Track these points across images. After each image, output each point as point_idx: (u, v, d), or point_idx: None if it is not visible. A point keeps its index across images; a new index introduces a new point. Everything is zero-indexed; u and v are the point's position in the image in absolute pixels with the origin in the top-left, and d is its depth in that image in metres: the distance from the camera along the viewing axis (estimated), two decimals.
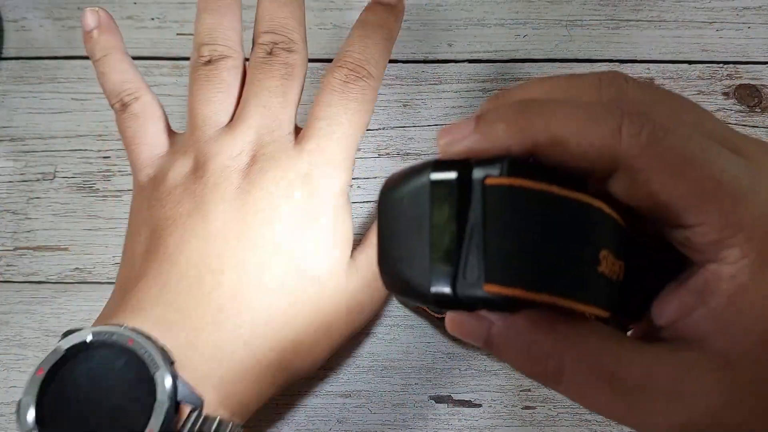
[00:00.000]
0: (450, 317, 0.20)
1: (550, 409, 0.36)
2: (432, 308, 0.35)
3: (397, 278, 0.19)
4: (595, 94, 0.20)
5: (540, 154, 0.18)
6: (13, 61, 0.42)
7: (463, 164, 0.18)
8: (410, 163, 0.22)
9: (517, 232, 0.17)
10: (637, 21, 0.42)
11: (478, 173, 0.18)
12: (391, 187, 0.20)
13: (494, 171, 0.17)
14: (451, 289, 0.18)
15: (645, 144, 0.18)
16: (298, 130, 0.32)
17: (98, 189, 0.40)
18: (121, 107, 0.33)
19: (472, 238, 0.17)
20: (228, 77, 0.32)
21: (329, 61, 0.41)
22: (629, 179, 0.18)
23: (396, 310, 0.37)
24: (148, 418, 0.24)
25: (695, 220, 0.18)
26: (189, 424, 0.25)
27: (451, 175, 0.18)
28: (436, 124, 0.40)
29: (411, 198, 0.19)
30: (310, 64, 0.42)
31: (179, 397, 0.25)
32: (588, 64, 0.41)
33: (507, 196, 0.17)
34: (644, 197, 0.18)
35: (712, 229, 0.18)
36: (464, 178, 0.18)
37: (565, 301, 0.17)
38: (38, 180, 0.40)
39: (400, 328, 0.37)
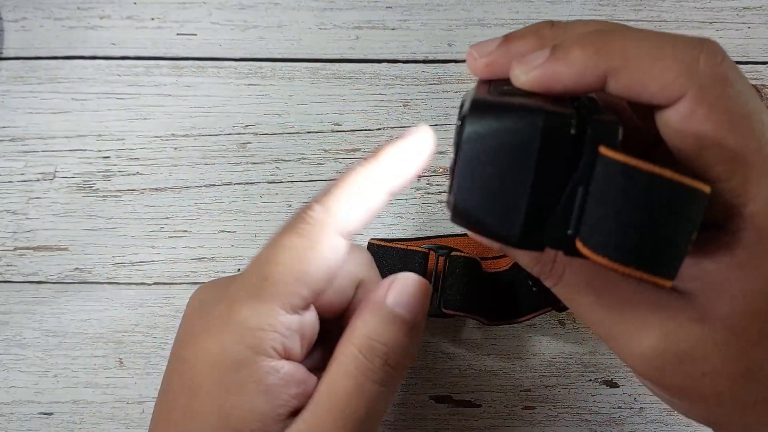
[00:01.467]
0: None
1: (550, 409, 0.36)
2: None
3: (480, 212, 0.19)
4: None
5: (611, 81, 0.18)
6: (13, 61, 0.42)
7: (572, 115, 0.18)
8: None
9: (619, 207, 0.17)
10: (637, 21, 0.42)
11: (592, 135, 0.17)
12: (487, 120, 0.18)
13: (609, 139, 0.17)
14: (540, 238, 0.18)
15: (721, 77, 0.18)
16: None
17: (98, 189, 0.40)
18: None
19: (573, 196, 0.18)
20: None
21: (329, 61, 0.42)
22: (687, 113, 0.18)
23: None
24: None
25: (726, 176, 0.19)
26: None
27: (565, 131, 0.17)
28: (436, 124, 0.40)
29: (514, 139, 0.18)
30: (310, 64, 0.42)
31: None
32: None
33: (617, 171, 0.17)
34: (695, 138, 0.19)
35: (735, 194, 0.19)
36: (577, 135, 0.17)
37: (647, 275, 0.17)
38: (38, 180, 0.40)
39: None
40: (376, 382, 0.23)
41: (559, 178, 0.18)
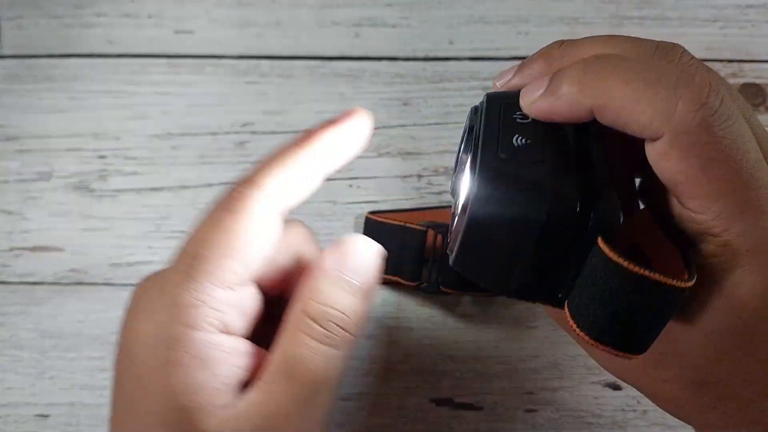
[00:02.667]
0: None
1: (552, 411, 0.35)
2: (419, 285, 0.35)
3: (478, 270, 0.21)
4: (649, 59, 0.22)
5: (598, 116, 0.20)
6: (9, 60, 0.41)
7: (576, 200, 0.19)
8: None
9: (605, 295, 0.19)
10: (641, 19, 0.41)
11: (593, 224, 0.19)
12: (495, 192, 0.20)
13: (609, 225, 0.19)
14: (533, 294, 0.20)
15: (697, 124, 0.19)
16: None
17: (94, 189, 0.39)
18: None
19: (568, 268, 0.20)
20: None
21: (328, 58, 0.41)
22: (662, 151, 0.20)
23: (396, 312, 0.37)
24: None
25: (700, 210, 0.20)
26: None
27: (569, 215, 0.19)
28: (437, 123, 0.40)
29: (518, 215, 0.19)
30: (310, 63, 0.41)
31: None
32: None
33: (609, 266, 0.18)
34: (671, 174, 0.20)
35: (708, 227, 0.20)
36: (580, 216, 0.19)
37: (620, 353, 0.19)
38: (34, 180, 0.40)
39: (401, 330, 0.36)
40: (329, 346, 0.24)
41: (557, 252, 0.19)
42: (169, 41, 0.41)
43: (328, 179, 0.39)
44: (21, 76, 0.41)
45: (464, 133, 0.26)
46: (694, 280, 0.19)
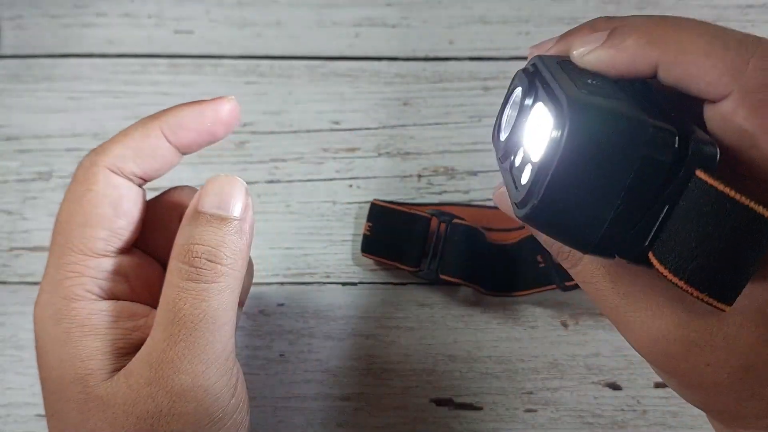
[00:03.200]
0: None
1: (552, 411, 0.35)
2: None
3: (561, 217, 0.19)
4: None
5: (662, 71, 0.19)
6: (9, 60, 0.41)
7: (675, 132, 0.18)
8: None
9: (703, 231, 0.17)
10: None
11: (692, 156, 0.18)
12: (590, 124, 0.18)
13: (707, 162, 0.18)
14: (613, 247, 0.19)
15: (766, 83, 0.18)
16: None
17: None
18: None
19: (658, 211, 0.18)
20: None
21: (328, 58, 0.41)
22: (730, 110, 0.19)
23: (396, 312, 0.37)
24: None
25: (764, 177, 0.19)
26: None
27: (668, 148, 0.18)
28: (436, 123, 0.40)
29: (616, 149, 0.18)
30: (309, 62, 0.41)
31: None
32: None
33: (710, 197, 0.17)
34: (737, 136, 0.19)
35: None
36: (677, 153, 0.18)
37: (710, 299, 0.18)
38: (34, 180, 0.40)
39: (400, 330, 0.36)
40: (203, 281, 0.24)
41: (649, 193, 0.18)
42: (169, 41, 0.41)
43: (328, 179, 0.39)
44: (21, 76, 0.41)
45: (509, 95, 0.24)
46: None
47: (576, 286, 0.34)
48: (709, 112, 0.20)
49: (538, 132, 0.20)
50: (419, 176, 0.39)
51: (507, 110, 0.24)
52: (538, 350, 0.36)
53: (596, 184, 0.18)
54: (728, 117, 0.19)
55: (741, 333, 0.20)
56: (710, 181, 0.17)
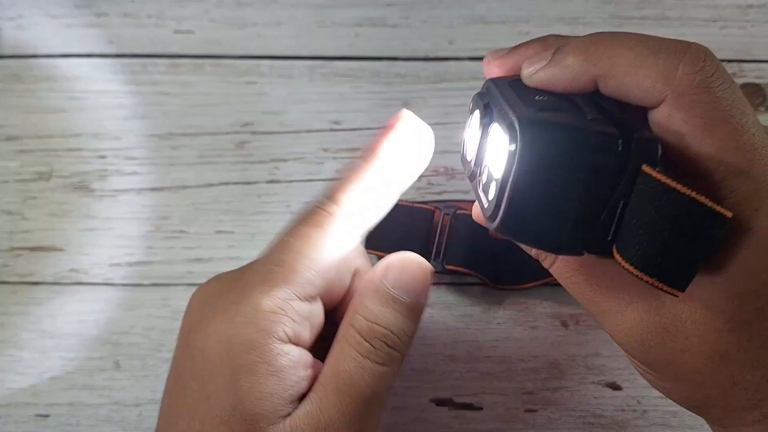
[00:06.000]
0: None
1: (552, 412, 0.35)
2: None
3: (528, 225, 0.20)
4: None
5: (600, 84, 0.21)
6: (9, 60, 0.41)
7: (617, 134, 0.19)
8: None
9: (652, 222, 0.19)
10: (641, 19, 0.41)
11: (635, 153, 0.19)
12: (539, 138, 0.19)
13: (649, 156, 0.19)
14: (581, 244, 0.20)
15: (698, 84, 0.20)
16: None
17: (94, 189, 0.39)
18: None
19: (616, 206, 0.19)
20: None
21: (328, 58, 0.41)
22: (666, 114, 0.20)
23: None
24: None
25: (706, 174, 0.20)
26: None
27: (612, 150, 0.19)
28: (437, 123, 0.40)
29: (566, 157, 0.19)
30: (309, 62, 0.41)
31: None
32: None
33: (656, 189, 0.18)
34: (677, 137, 0.20)
35: (715, 189, 0.20)
36: (621, 152, 0.19)
37: (664, 286, 0.19)
38: (34, 180, 0.39)
39: None
40: (377, 362, 0.24)
41: (603, 192, 0.19)
42: (169, 41, 0.41)
43: (329, 179, 0.39)
44: (21, 75, 0.41)
45: (469, 117, 0.26)
46: (732, 215, 0.18)
47: None
48: (652, 117, 0.21)
49: (497, 150, 0.21)
50: (419, 176, 0.39)
51: (469, 132, 0.26)
52: (538, 350, 0.36)
53: (553, 191, 0.19)
54: (666, 120, 0.20)
55: (708, 319, 0.20)
56: (653, 174, 0.18)
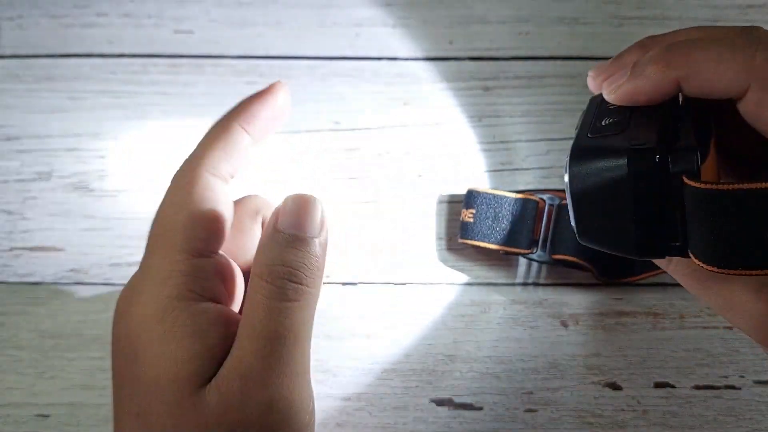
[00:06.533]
0: None
1: (552, 411, 0.35)
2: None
3: (598, 235, 0.23)
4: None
5: (684, 85, 0.22)
6: (9, 60, 0.41)
7: (653, 150, 0.21)
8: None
9: (713, 223, 0.20)
10: (641, 18, 0.41)
11: (673, 166, 0.21)
12: (584, 164, 0.22)
13: (688, 164, 0.20)
14: (657, 248, 0.22)
15: None
16: None
17: (94, 189, 0.39)
18: None
19: (674, 214, 0.21)
20: None
21: (328, 58, 0.41)
22: (756, 101, 0.21)
23: (396, 312, 0.37)
24: None
25: None
26: None
27: (649, 164, 0.21)
28: (436, 123, 0.40)
29: (608, 177, 0.21)
30: (309, 62, 0.41)
31: None
32: (591, 62, 0.41)
33: (703, 196, 0.20)
34: (766, 120, 0.21)
35: None
36: (661, 164, 0.21)
37: (753, 272, 0.20)
38: (34, 180, 0.39)
39: (400, 330, 0.36)
40: (284, 300, 0.25)
41: (655, 201, 0.21)
42: (169, 41, 0.41)
43: (328, 179, 0.39)
44: (21, 75, 0.41)
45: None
46: None
47: None
48: (742, 108, 0.22)
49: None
50: (419, 176, 0.39)
51: None
52: (538, 350, 0.36)
53: (606, 206, 0.22)
54: (758, 107, 0.21)
55: None
56: (694, 185, 0.20)
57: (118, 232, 0.39)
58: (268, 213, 0.29)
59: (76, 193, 0.39)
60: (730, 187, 0.19)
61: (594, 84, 0.27)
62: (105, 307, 0.38)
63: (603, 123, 0.24)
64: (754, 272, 0.20)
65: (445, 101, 0.40)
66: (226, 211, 0.27)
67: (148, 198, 0.39)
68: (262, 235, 0.27)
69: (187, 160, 0.27)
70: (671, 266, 0.25)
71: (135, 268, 0.37)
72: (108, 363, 0.36)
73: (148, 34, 0.41)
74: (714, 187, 0.19)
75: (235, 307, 0.28)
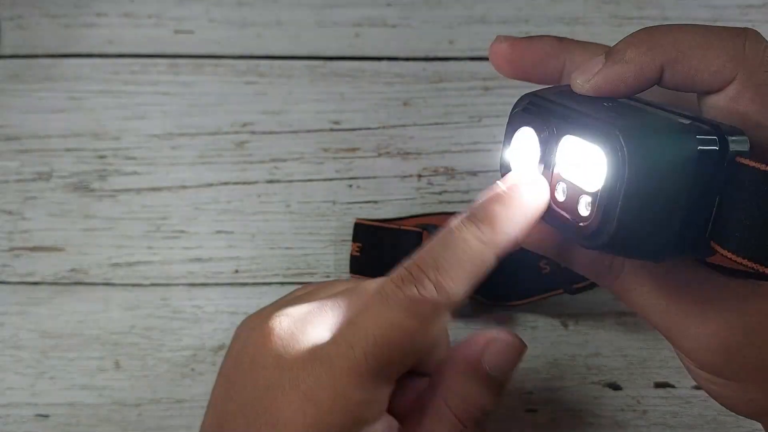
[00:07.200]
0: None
1: (552, 412, 0.35)
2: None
3: (634, 236, 0.20)
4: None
5: (667, 73, 0.20)
6: (9, 60, 0.41)
7: (712, 132, 0.19)
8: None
9: (760, 211, 0.18)
10: (641, 18, 0.41)
11: (731, 150, 0.19)
12: (644, 147, 0.19)
13: (741, 148, 0.19)
14: (683, 250, 0.20)
15: (765, 62, 0.19)
16: None
17: (94, 189, 0.39)
18: None
19: (712, 204, 0.19)
20: None
21: (328, 58, 0.41)
22: (733, 95, 0.20)
23: None
24: None
25: None
26: None
27: (713, 149, 0.19)
28: (436, 123, 0.40)
29: (672, 163, 0.19)
30: (309, 62, 0.41)
31: None
32: None
33: (757, 178, 0.18)
34: (744, 117, 0.20)
35: None
36: (720, 150, 0.19)
37: None
38: (34, 180, 0.39)
39: None
40: None
41: (705, 192, 0.19)
42: (169, 41, 0.41)
43: (328, 179, 0.39)
44: (21, 75, 0.41)
45: (509, 135, 0.25)
46: None
47: (584, 289, 0.34)
48: (711, 103, 0.20)
49: (581, 164, 0.20)
50: (419, 176, 0.39)
51: (515, 151, 0.24)
52: (538, 350, 0.36)
53: (661, 199, 0.19)
54: (730, 102, 0.20)
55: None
56: (752, 164, 0.18)
57: (118, 233, 0.39)
58: None
59: (76, 193, 0.39)
60: None
61: (498, 48, 0.24)
62: (105, 307, 0.38)
63: (606, 105, 0.21)
64: None
65: (445, 101, 0.40)
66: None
67: (148, 199, 0.39)
68: (458, 359, 0.25)
69: (433, 286, 0.22)
70: (623, 274, 0.23)
71: (135, 268, 0.38)
72: (107, 363, 0.37)
73: (148, 34, 0.41)
74: (763, 167, 0.18)
75: None
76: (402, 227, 0.36)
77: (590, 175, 0.20)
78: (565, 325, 0.37)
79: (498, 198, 0.23)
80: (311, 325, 0.24)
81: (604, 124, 0.19)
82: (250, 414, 0.23)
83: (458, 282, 0.23)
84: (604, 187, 0.19)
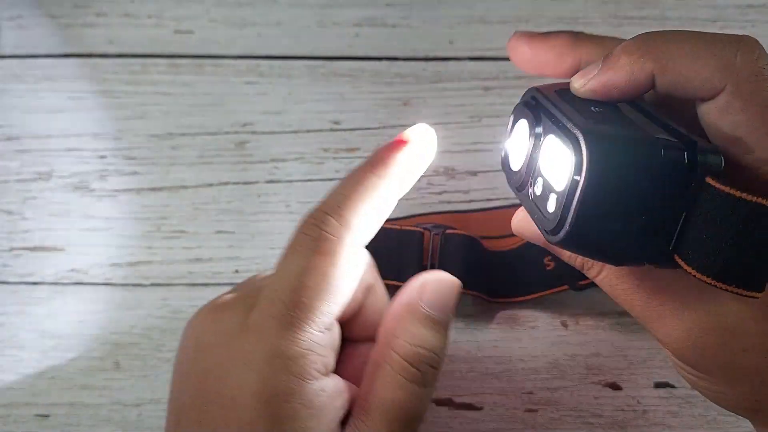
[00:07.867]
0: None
1: (552, 412, 0.35)
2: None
3: (592, 237, 0.20)
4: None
5: (659, 80, 0.21)
6: (9, 60, 0.41)
7: (681, 145, 0.19)
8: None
9: (722, 231, 0.19)
10: (641, 18, 0.41)
11: (701, 164, 0.19)
12: (607, 152, 0.19)
13: (713, 167, 0.19)
14: (645, 258, 0.20)
15: (756, 73, 0.20)
16: None
17: (94, 189, 0.39)
18: None
19: (677, 217, 0.20)
20: None
21: (328, 58, 0.41)
22: (722, 105, 0.20)
23: None
24: None
25: (758, 165, 0.20)
26: None
27: (680, 160, 0.19)
28: (436, 123, 0.40)
29: (634, 169, 0.19)
30: (309, 62, 0.41)
31: None
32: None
33: (722, 200, 0.19)
34: (733, 128, 0.20)
35: None
36: (688, 164, 0.19)
37: (741, 291, 0.19)
38: (34, 180, 0.39)
39: None
40: (423, 385, 0.25)
41: (667, 204, 0.19)
42: (169, 41, 0.41)
43: (328, 179, 0.39)
44: (21, 75, 0.41)
45: (511, 126, 0.26)
46: None
47: (589, 286, 0.34)
48: (705, 109, 0.21)
49: (555, 163, 0.21)
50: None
51: (513, 141, 0.25)
52: (538, 350, 0.36)
53: (619, 205, 0.19)
54: (721, 111, 0.20)
55: None
56: (719, 186, 0.19)
57: (119, 233, 0.39)
58: (370, 277, 0.28)
59: (76, 193, 0.39)
60: (756, 199, 0.18)
61: (516, 45, 0.25)
62: (105, 307, 0.38)
63: (594, 110, 0.21)
64: (746, 292, 0.19)
65: (445, 101, 0.40)
66: (356, 283, 0.26)
67: (148, 199, 0.39)
68: (399, 306, 0.26)
69: (335, 221, 0.24)
70: (606, 271, 0.24)
71: (135, 269, 0.38)
72: (107, 363, 0.37)
73: (148, 34, 0.41)
74: (740, 194, 0.18)
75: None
76: (402, 227, 0.36)
77: (560, 174, 0.21)
78: (565, 325, 0.37)
79: (388, 145, 0.26)
80: (242, 302, 0.25)
81: (574, 127, 0.20)
82: (201, 400, 0.24)
83: (360, 212, 0.24)
84: (566, 188, 0.20)
